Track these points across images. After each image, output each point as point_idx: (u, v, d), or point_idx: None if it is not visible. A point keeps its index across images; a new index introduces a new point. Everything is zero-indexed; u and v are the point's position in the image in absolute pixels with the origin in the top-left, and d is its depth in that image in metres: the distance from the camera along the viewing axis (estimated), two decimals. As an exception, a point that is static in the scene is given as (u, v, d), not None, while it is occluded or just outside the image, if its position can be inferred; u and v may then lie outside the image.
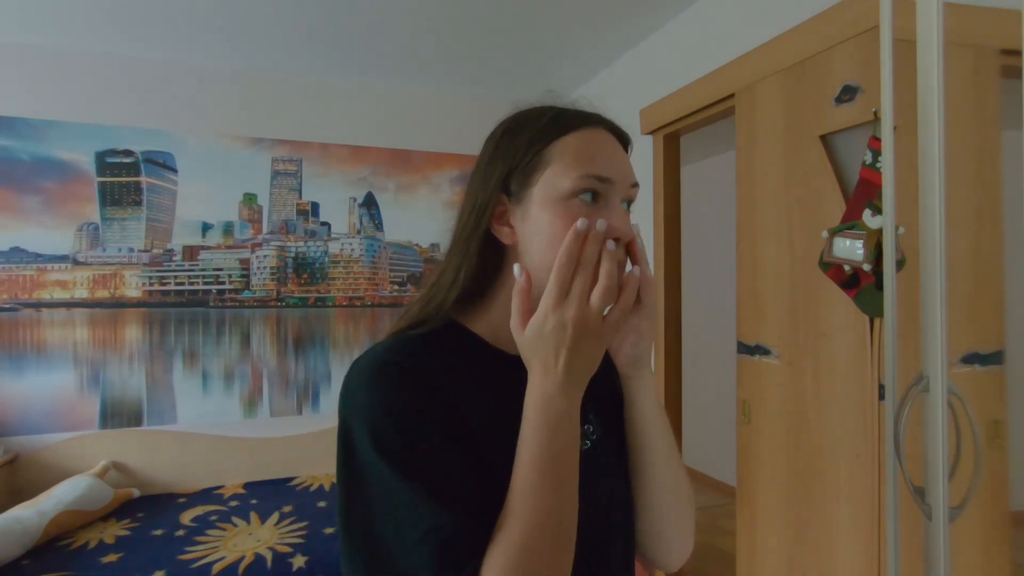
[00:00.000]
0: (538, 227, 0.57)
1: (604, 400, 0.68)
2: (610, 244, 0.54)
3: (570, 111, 0.60)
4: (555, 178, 0.56)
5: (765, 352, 1.74)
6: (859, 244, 1.37)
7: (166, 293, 2.71)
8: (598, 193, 0.57)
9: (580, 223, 0.54)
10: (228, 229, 2.80)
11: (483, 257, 0.60)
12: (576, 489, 0.53)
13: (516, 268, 0.56)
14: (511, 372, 0.56)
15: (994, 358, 1.30)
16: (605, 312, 0.54)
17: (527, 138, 0.58)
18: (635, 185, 0.60)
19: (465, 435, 0.54)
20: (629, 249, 0.60)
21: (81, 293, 2.59)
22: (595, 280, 0.53)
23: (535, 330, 0.53)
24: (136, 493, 2.47)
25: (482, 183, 0.61)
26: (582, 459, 0.61)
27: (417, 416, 0.52)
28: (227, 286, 2.80)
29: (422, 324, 0.61)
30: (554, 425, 0.52)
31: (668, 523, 0.66)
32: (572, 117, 0.59)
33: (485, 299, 0.63)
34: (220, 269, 2.79)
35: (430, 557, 0.47)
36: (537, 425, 0.52)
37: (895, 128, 1.06)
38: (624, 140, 0.63)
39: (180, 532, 2.12)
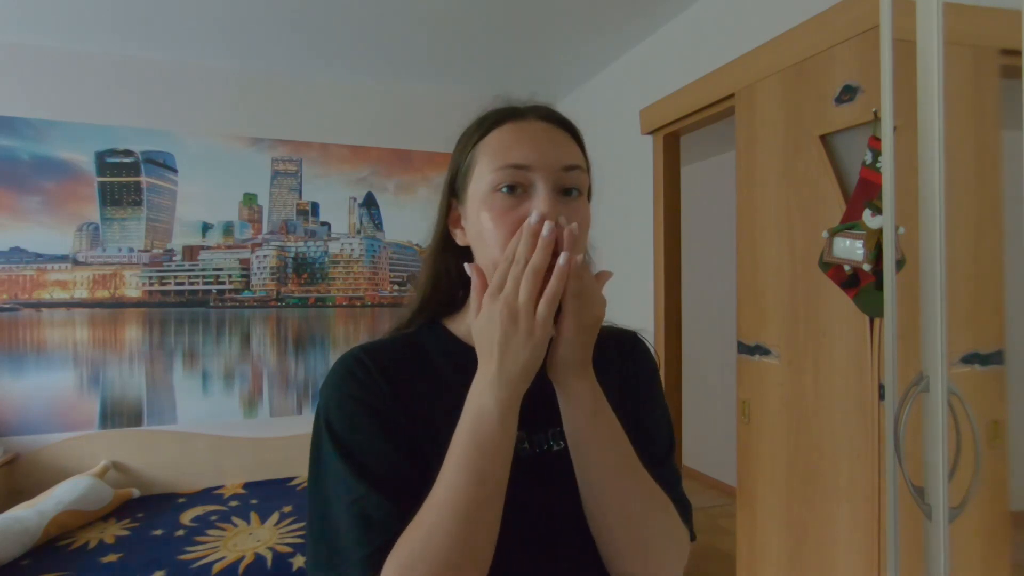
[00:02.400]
0: (474, 225, 0.59)
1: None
2: (545, 229, 0.51)
3: (498, 109, 0.62)
4: (480, 177, 0.58)
5: (765, 352, 1.74)
6: (859, 244, 1.37)
7: (166, 293, 2.71)
8: (517, 183, 0.56)
9: (533, 217, 0.53)
10: (228, 229, 2.80)
11: (448, 259, 0.64)
12: (502, 485, 0.52)
13: (467, 267, 0.57)
14: None
15: (994, 358, 1.30)
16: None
17: (464, 141, 0.62)
18: (571, 168, 0.57)
19: (428, 430, 0.57)
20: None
21: (81, 293, 2.58)
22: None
23: (476, 326, 0.54)
24: (136, 493, 2.47)
25: (443, 188, 0.65)
26: (539, 461, 0.60)
27: (367, 408, 0.57)
28: (227, 286, 2.80)
29: (409, 325, 0.66)
30: (478, 418, 0.52)
31: (622, 549, 0.57)
32: (495, 114, 0.61)
33: (462, 300, 0.66)
34: (220, 269, 2.79)
35: (354, 526, 0.52)
36: (467, 418, 0.53)
37: (895, 128, 1.06)
38: (566, 127, 0.61)
39: (180, 532, 2.12)
